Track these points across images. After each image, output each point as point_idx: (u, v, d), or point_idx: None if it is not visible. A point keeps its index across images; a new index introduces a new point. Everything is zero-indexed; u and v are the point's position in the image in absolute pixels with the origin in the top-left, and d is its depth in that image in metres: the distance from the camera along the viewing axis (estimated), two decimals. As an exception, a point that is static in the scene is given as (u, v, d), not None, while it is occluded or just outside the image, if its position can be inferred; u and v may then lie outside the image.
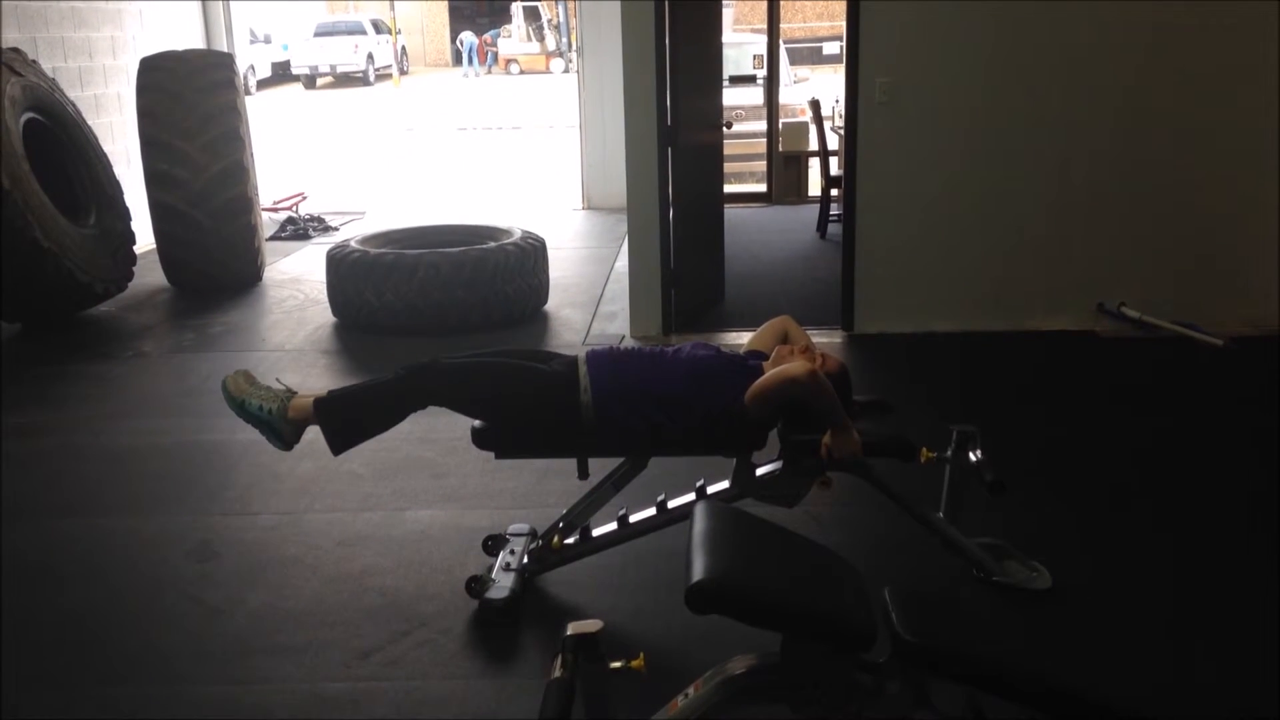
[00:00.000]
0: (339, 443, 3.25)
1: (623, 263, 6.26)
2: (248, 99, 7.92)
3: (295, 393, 3.28)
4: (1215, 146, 5.70)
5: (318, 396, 3.24)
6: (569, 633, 2.30)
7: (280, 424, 3.23)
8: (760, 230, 9.09)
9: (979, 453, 3.24)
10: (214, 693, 2.96)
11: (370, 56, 30.20)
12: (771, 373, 3.10)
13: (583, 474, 3.38)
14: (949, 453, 3.29)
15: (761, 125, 10.58)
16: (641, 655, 2.28)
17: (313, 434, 4.72)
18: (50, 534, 3.91)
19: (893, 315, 5.97)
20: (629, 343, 5.87)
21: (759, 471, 3.30)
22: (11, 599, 3.46)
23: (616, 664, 2.28)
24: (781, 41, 10.95)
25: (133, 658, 3.14)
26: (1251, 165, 5.67)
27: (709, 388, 3.17)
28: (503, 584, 3.32)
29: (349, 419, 3.24)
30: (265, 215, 8.68)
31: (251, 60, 25.37)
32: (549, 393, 3.20)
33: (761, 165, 10.72)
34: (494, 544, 3.57)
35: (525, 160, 15.15)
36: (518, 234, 6.70)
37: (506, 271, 6.29)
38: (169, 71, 7.11)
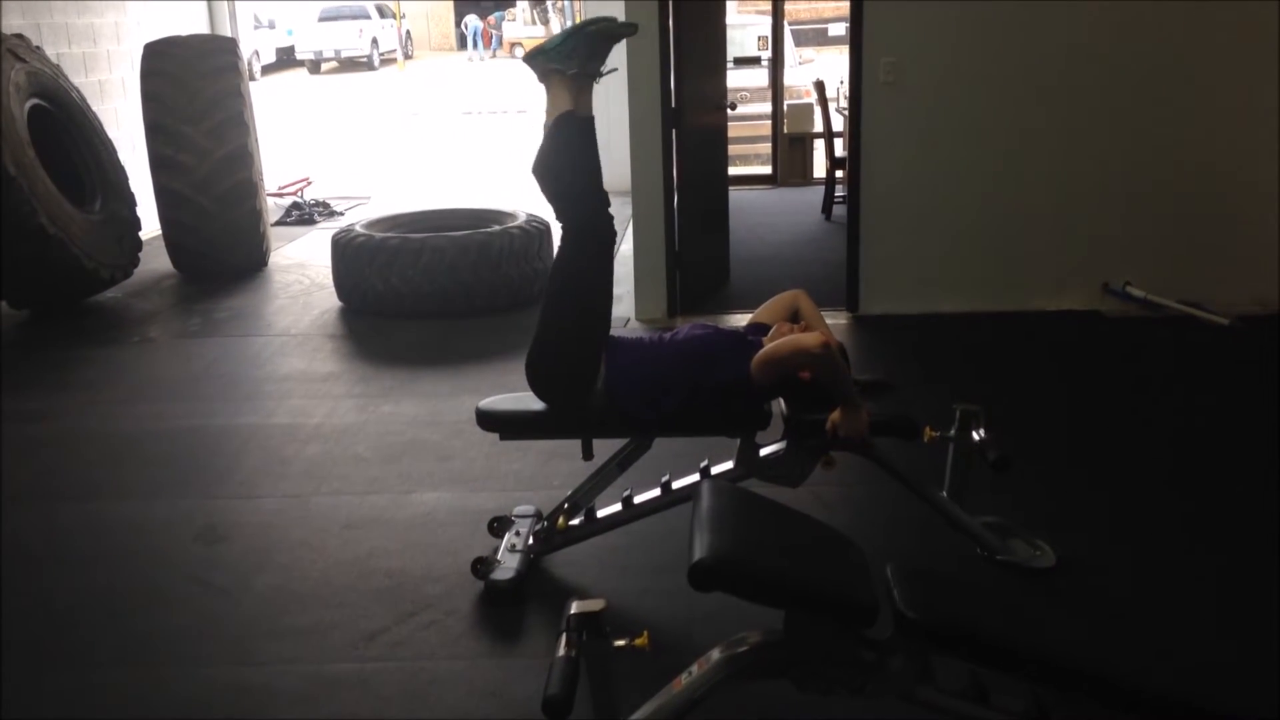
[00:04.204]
0: None
1: (627, 246, 6.25)
2: (252, 85, 7.92)
3: None
4: (1221, 125, 5.67)
5: None
6: (573, 611, 2.31)
7: None
8: (765, 212, 9.06)
9: (983, 431, 3.25)
10: (222, 674, 2.98)
11: (375, 41, 30.10)
12: (784, 339, 3.08)
13: (587, 455, 3.39)
14: (953, 431, 3.30)
15: (766, 107, 10.55)
16: (645, 633, 2.29)
17: (320, 415, 4.73)
18: (58, 518, 3.93)
19: (898, 296, 5.95)
20: (634, 325, 5.88)
21: (763, 451, 3.30)
22: (20, 583, 3.48)
23: (620, 642, 2.29)
24: (786, 23, 10.90)
25: (141, 640, 3.16)
26: (1257, 144, 5.63)
27: (709, 363, 3.16)
28: (508, 565, 3.34)
29: None
30: (270, 200, 8.68)
31: (256, 45, 25.33)
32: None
33: (766, 147, 10.70)
34: (499, 526, 3.58)
35: (530, 144, 15.08)
36: (522, 218, 6.69)
37: (511, 255, 6.29)
38: (173, 57, 7.10)
